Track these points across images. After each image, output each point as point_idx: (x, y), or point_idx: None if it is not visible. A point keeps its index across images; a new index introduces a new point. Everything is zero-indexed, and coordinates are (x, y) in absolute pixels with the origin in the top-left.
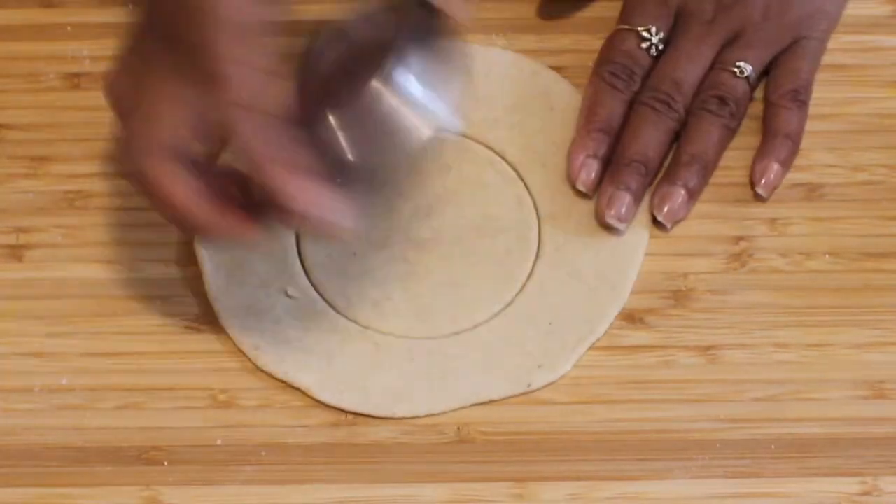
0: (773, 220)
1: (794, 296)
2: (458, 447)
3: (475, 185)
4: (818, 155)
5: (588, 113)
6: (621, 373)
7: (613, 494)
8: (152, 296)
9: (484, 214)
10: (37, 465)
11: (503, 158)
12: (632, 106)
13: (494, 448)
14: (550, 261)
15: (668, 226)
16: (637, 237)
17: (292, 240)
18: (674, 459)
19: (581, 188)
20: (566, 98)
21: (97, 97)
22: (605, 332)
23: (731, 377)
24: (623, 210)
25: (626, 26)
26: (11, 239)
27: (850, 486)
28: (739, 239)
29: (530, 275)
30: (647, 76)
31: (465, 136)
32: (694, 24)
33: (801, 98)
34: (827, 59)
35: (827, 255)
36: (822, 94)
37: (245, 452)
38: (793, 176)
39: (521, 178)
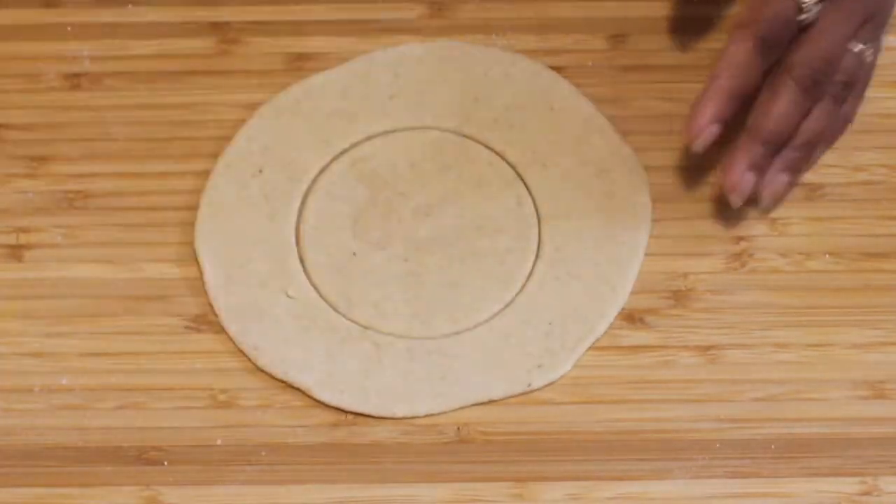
0: (773, 220)
1: (794, 296)
2: (458, 447)
3: (475, 185)
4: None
5: (727, 73)
6: (621, 373)
7: (613, 494)
8: (152, 296)
9: (484, 214)
10: (37, 465)
11: (503, 158)
12: (771, 70)
13: (494, 448)
14: (550, 261)
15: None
16: (636, 237)
17: (292, 240)
18: (674, 459)
19: (695, 149)
20: (566, 98)
21: (97, 97)
22: (606, 331)
23: (731, 377)
24: (748, 190)
25: None
26: (11, 239)
27: (850, 486)
28: (739, 239)
29: (530, 275)
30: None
31: (464, 136)
32: (845, 2)
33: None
34: None
35: (827, 255)
36: None
37: (245, 452)
38: None
39: (521, 178)
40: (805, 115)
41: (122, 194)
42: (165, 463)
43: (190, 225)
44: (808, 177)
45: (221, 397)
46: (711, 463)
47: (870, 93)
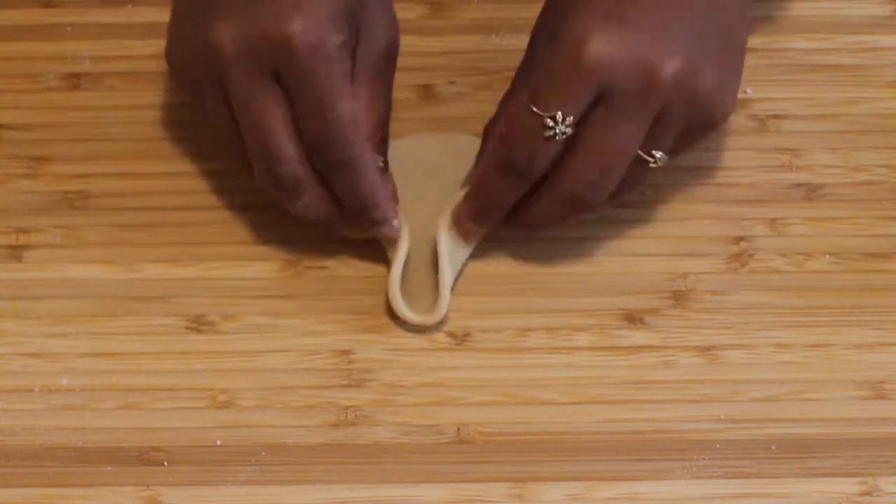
0: (773, 220)
1: (794, 296)
2: (458, 447)
3: None
4: (818, 155)
5: (478, 198)
6: (621, 373)
7: (613, 494)
8: (152, 296)
9: None
10: (37, 465)
11: None
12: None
13: (494, 448)
14: None
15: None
16: None
17: None
18: (674, 459)
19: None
20: None
21: (97, 97)
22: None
23: (731, 377)
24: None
25: (533, 107)
26: (11, 239)
27: (850, 486)
28: (739, 239)
29: None
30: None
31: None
32: (619, 100)
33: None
34: (827, 59)
35: (827, 256)
36: (822, 94)
37: (245, 452)
38: (793, 176)
39: None
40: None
41: (122, 194)
42: (165, 463)
43: (190, 225)
44: (808, 177)
45: (221, 397)
46: (711, 463)
47: (870, 93)
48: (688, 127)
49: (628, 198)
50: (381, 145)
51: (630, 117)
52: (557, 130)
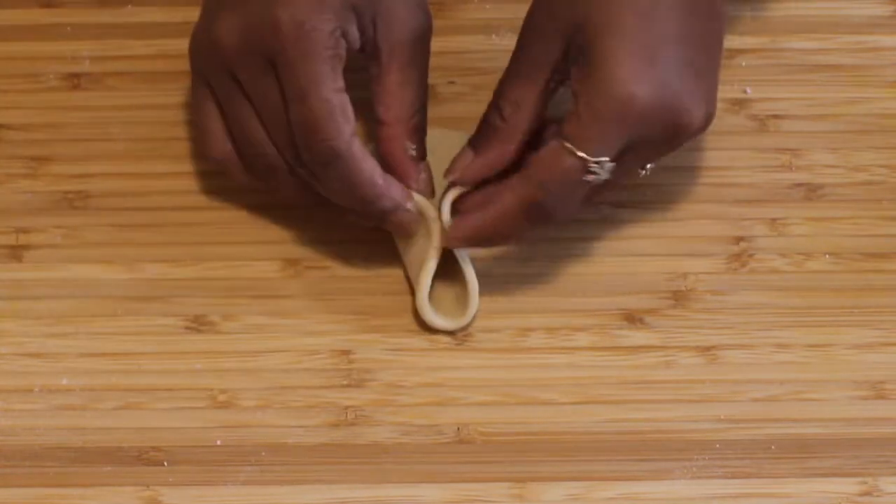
0: (773, 220)
1: (794, 296)
2: (458, 447)
3: None
4: (818, 155)
5: (491, 227)
6: (621, 373)
7: (613, 494)
8: (152, 296)
9: None
10: (36, 465)
11: None
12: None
13: (494, 448)
14: None
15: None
16: None
17: None
18: (674, 459)
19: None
20: None
21: (97, 97)
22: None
23: (731, 377)
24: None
25: (574, 148)
26: (11, 239)
27: (850, 486)
28: (739, 239)
29: None
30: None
31: None
32: (649, 150)
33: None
34: (827, 59)
35: (827, 256)
36: (822, 94)
37: (245, 452)
38: (793, 176)
39: None
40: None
41: (122, 194)
42: (165, 463)
43: (190, 225)
44: (808, 177)
45: (221, 397)
46: (711, 463)
47: (870, 93)
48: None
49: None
50: (416, 133)
51: (647, 159)
52: (600, 175)
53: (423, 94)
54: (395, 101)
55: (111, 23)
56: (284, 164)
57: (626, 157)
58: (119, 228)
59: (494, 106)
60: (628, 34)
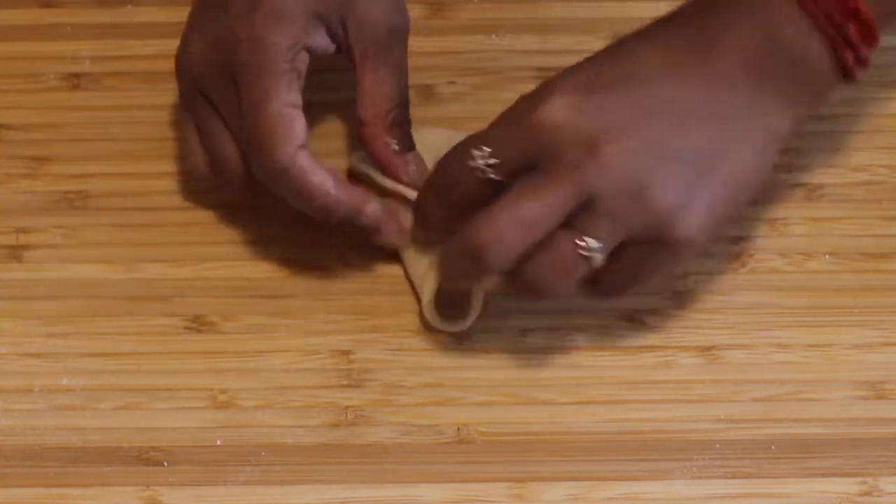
0: (773, 220)
1: (794, 296)
2: (458, 447)
3: None
4: (818, 155)
5: (416, 206)
6: (621, 373)
7: (613, 494)
8: (152, 296)
9: None
10: (36, 465)
11: None
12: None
13: (494, 448)
14: None
15: None
16: None
17: None
18: (674, 459)
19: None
20: None
21: (97, 97)
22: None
23: (731, 377)
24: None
25: (481, 144)
26: (11, 239)
27: (850, 486)
28: (739, 239)
29: None
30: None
31: None
32: (555, 165)
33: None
34: None
35: (827, 255)
36: None
37: (245, 452)
38: (793, 176)
39: None
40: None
41: (122, 194)
42: (165, 463)
43: (190, 225)
44: (808, 177)
45: (221, 397)
46: (711, 463)
47: (870, 93)
48: (637, 237)
49: (560, 291)
50: (394, 128)
51: (553, 184)
52: (481, 165)
53: (400, 91)
54: (370, 100)
55: (111, 23)
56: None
57: (528, 172)
58: (119, 228)
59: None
60: (582, 65)
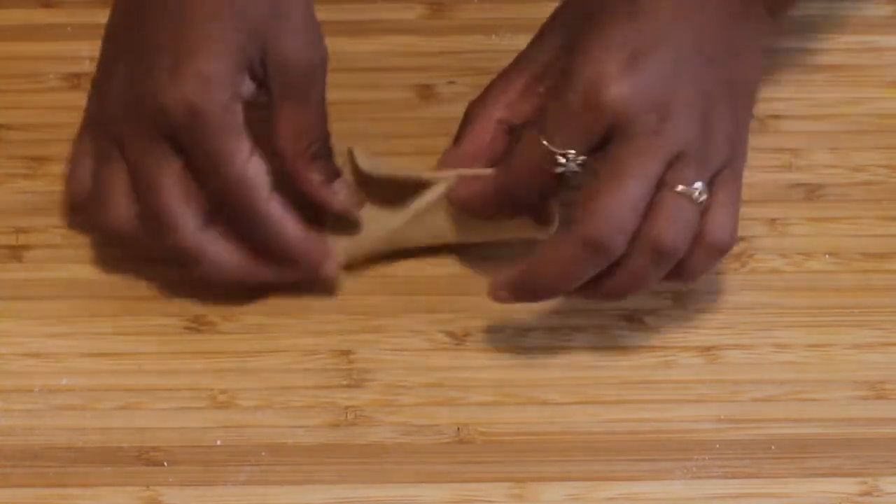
0: (772, 221)
1: (794, 296)
2: (458, 447)
3: None
4: (818, 155)
5: (465, 203)
6: (621, 373)
7: (613, 494)
8: (152, 296)
9: None
10: (36, 465)
11: None
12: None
13: (494, 448)
14: None
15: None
16: None
17: None
18: (674, 459)
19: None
20: None
21: None
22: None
23: (731, 377)
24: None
25: (544, 140)
26: (11, 239)
27: (850, 486)
28: (739, 239)
29: None
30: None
31: None
32: (637, 138)
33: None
34: (827, 59)
35: (827, 256)
36: (822, 94)
37: (245, 453)
38: (793, 176)
39: None
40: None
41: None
42: (165, 463)
43: None
44: (808, 177)
45: (221, 397)
46: (711, 463)
47: (870, 93)
48: (719, 169)
49: (683, 250)
50: (315, 162)
51: (644, 157)
52: (568, 167)
53: (319, 126)
54: (291, 137)
55: None
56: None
57: (612, 149)
58: None
59: (478, 97)
60: (613, 32)
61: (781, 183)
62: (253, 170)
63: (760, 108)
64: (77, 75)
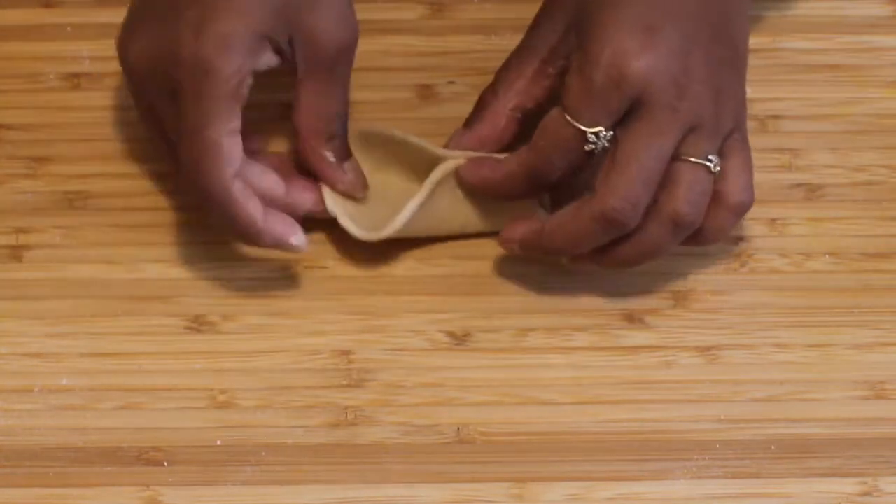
0: (773, 221)
1: (794, 296)
2: (458, 447)
3: None
4: (818, 155)
5: (494, 188)
6: (621, 373)
7: (613, 494)
8: (152, 296)
9: None
10: (36, 465)
11: None
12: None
13: (494, 448)
14: None
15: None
16: None
17: None
18: (674, 459)
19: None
20: None
21: (97, 97)
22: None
23: (731, 377)
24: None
25: (571, 119)
26: (11, 239)
27: (850, 486)
28: (739, 239)
29: None
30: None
31: None
32: (657, 112)
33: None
34: (827, 59)
35: (827, 256)
36: (822, 94)
37: (245, 452)
38: (793, 176)
39: None
40: (613, 238)
41: (122, 194)
42: (165, 463)
43: (190, 225)
44: (808, 177)
45: (221, 397)
46: (711, 463)
47: (870, 93)
48: (730, 134)
49: (718, 230)
50: (332, 142)
51: (661, 132)
52: (598, 144)
53: (341, 106)
54: (311, 114)
55: (111, 23)
56: None
57: (633, 124)
58: (119, 228)
59: (489, 85)
60: (625, 8)
61: (781, 183)
62: (228, 142)
63: (760, 108)
64: (77, 75)
